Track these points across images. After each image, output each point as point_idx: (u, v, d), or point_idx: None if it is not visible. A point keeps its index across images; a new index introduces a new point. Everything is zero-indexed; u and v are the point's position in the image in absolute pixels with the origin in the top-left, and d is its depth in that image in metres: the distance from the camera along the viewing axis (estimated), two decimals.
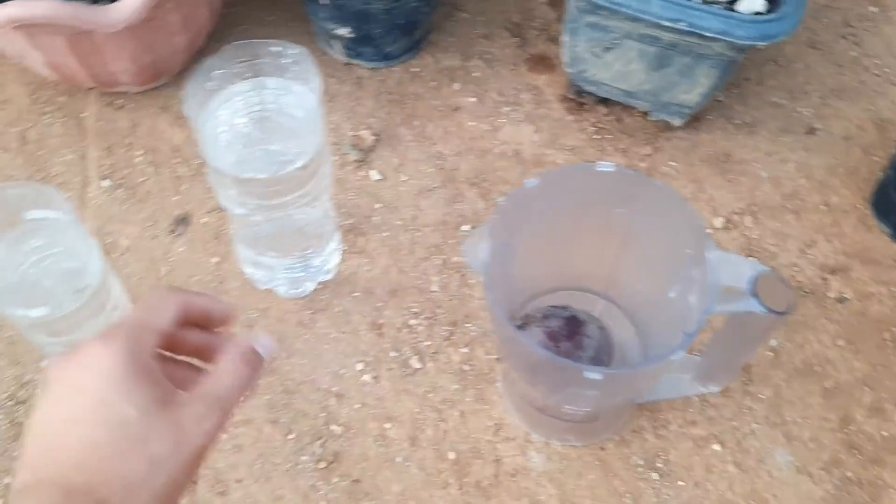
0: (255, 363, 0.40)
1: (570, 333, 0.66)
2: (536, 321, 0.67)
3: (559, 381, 0.59)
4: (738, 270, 0.56)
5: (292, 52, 0.60)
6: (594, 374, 0.52)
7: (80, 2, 0.76)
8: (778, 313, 0.56)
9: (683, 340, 0.53)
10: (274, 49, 0.60)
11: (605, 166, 0.60)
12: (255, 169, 0.63)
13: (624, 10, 0.75)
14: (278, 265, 0.79)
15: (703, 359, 0.71)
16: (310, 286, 0.83)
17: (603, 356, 0.67)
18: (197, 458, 0.36)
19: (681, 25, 0.74)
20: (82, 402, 0.34)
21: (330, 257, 0.83)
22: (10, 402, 0.76)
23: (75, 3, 0.72)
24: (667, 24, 0.74)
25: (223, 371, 0.39)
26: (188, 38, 0.87)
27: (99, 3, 0.83)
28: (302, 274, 0.81)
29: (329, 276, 0.85)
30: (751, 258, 0.87)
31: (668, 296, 0.66)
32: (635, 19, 0.77)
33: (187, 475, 0.36)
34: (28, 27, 0.71)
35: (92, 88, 0.93)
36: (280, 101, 0.64)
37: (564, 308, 0.68)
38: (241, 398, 0.39)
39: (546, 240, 0.67)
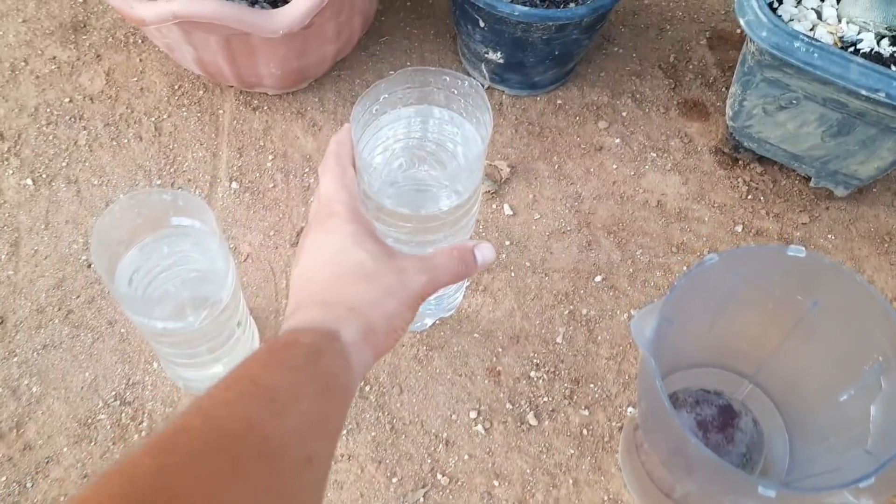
0: (469, 261, 0.47)
1: (722, 425, 0.59)
2: (687, 405, 0.61)
3: (716, 486, 0.53)
4: None
5: (465, 85, 0.55)
6: (769, 492, 0.46)
7: (241, 2, 0.74)
8: None
9: (880, 466, 0.46)
10: (447, 79, 0.55)
11: (796, 251, 0.54)
12: (404, 202, 0.58)
13: (816, 71, 0.68)
14: None
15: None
16: (429, 322, 0.79)
17: (754, 454, 0.60)
18: (415, 300, 0.44)
19: (879, 96, 0.67)
20: (326, 253, 0.44)
21: (456, 294, 0.79)
22: (115, 402, 0.74)
23: (238, 4, 0.70)
24: (864, 92, 0.67)
25: (440, 253, 0.47)
26: (338, 47, 0.84)
27: (257, 5, 0.81)
28: (425, 309, 0.77)
29: (450, 314, 0.80)
30: None
31: (837, 398, 0.59)
32: (826, 82, 0.70)
33: (409, 310, 0.44)
34: (188, 23, 0.69)
35: (231, 87, 0.92)
36: (444, 132, 0.59)
37: (718, 394, 0.62)
38: (449, 281, 0.46)
39: (708, 315, 0.61)
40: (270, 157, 0.89)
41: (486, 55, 0.89)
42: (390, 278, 0.43)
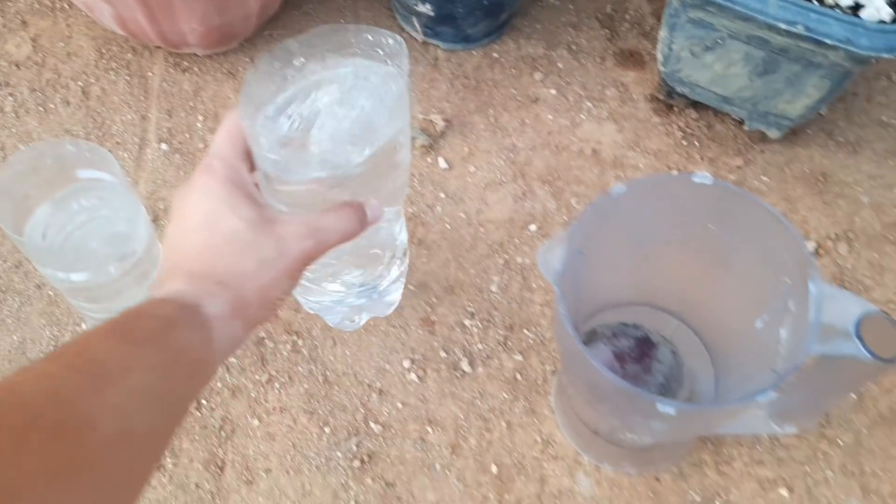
0: (360, 217, 0.45)
1: (639, 356, 0.60)
2: (604, 338, 0.61)
3: (625, 409, 0.53)
4: (842, 307, 0.50)
5: (389, 43, 0.49)
6: (668, 409, 0.46)
7: None
8: (885, 360, 0.49)
9: (774, 381, 0.46)
10: (369, 37, 0.48)
11: (703, 178, 0.54)
12: (300, 163, 0.47)
13: (736, 7, 0.68)
14: (329, 291, 0.66)
15: (784, 397, 0.64)
16: (363, 318, 0.76)
17: (673, 384, 0.61)
18: (296, 268, 0.42)
19: (798, 29, 0.67)
20: (197, 216, 0.41)
21: (393, 287, 0.73)
22: None
23: None
24: (783, 26, 0.67)
25: (327, 213, 0.44)
26: (261, 3, 0.83)
27: None
28: (358, 302, 0.70)
29: (390, 310, 0.77)
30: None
31: (753, 325, 0.59)
32: (747, 18, 0.70)
33: (288, 279, 0.42)
34: None
35: (159, 48, 0.91)
36: (358, 86, 0.51)
37: (637, 327, 0.62)
38: (338, 241, 0.44)
39: (624, 251, 0.61)
40: (201, 118, 0.89)
41: (416, 7, 0.88)
42: (267, 247, 0.40)
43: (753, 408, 0.66)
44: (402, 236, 0.56)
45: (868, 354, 0.49)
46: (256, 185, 0.44)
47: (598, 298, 0.69)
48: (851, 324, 0.49)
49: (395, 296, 0.66)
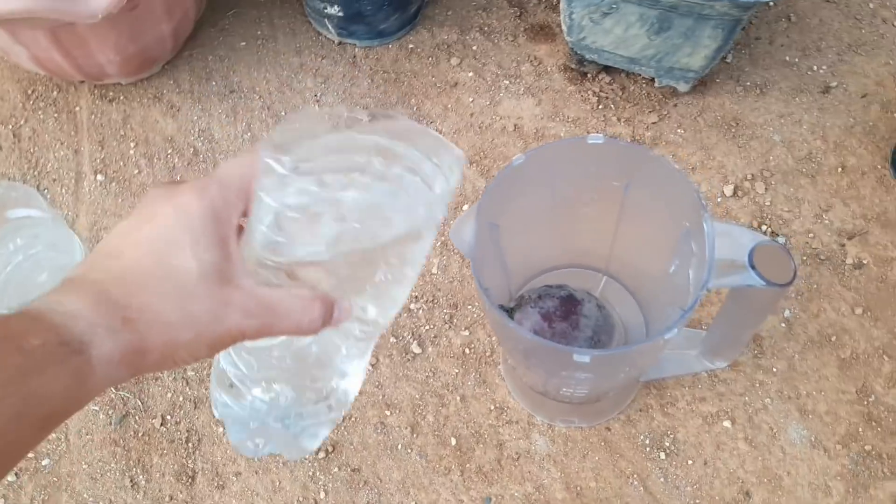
0: (324, 314, 0.36)
1: (565, 314, 0.63)
2: (531, 302, 0.64)
3: (551, 365, 0.57)
4: (736, 242, 0.53)
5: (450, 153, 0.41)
6: (583, 357, 0.50)
7: None
8: (778, 285, 0.53)
9: (678, 318, 0.50)
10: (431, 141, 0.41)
11: (596, 138, 0.57)
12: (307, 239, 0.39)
13: None
14: (251, 398, 0.45)
15: (709, 334, 0.68)
16: (265, 449, 0.46)
17: (602, 336, 0.64)
18: (222, 342, 0.35)
19: None
20: (154, 232, 0.33)
21: (312, 430, 0.47)
22: None
23: None
24: None
25: (294, 298, 0.36)
26: (174, 25, 0.85)
27: None
28: (273, 426, 0.47)
29: (299, 457, 0.63)
30: (763, 226, 0.84)
31: (668, 271, 0.63)
32: None
33: (208, 347, 0.34)
34: (7, 22, 0.70)
35: (83, 82, 0.92)
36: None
37: (560, 287, 0.66)
38: (288, 332, 0.36)
39: (540, 218, 0.64)
40: (132, 145, 0.91)
41: (325, 10, 0.91)
42: (201, 308, 0.33)
43: (675, 346, 0.70)
44: (353, 386, 0.44)
45: (762, 281, 0.52)
46: (241, 226, 0.37)
47: (528, 266, 0.73)
48: (745, 255, 0.53)
49: (311, 444, 0.46)
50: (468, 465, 0.73)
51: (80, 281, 0.33)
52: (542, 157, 0.59)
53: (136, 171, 0.89)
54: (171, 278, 0.33)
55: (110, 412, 0.77)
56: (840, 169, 0.87)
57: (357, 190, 0.38)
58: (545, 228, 0.68)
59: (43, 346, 0.30)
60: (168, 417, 0.76)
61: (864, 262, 0.81)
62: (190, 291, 0.33)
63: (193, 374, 0.78)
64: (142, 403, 0.77)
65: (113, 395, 0.78)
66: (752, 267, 0.53)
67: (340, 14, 0.90)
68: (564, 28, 0.88)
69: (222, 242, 0.35)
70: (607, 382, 0.62)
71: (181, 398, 0.77)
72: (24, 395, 0.29)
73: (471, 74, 0.96)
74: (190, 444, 0.75)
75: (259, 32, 1.00)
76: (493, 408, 0.76)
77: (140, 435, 0.76)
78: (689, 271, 0.59)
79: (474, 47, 0.98)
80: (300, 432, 0.45)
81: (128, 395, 0.78)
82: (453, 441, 0.74)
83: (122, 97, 0.94)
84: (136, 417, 0.77)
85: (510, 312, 0.64)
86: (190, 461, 0.74)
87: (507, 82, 0.95)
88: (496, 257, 0.64)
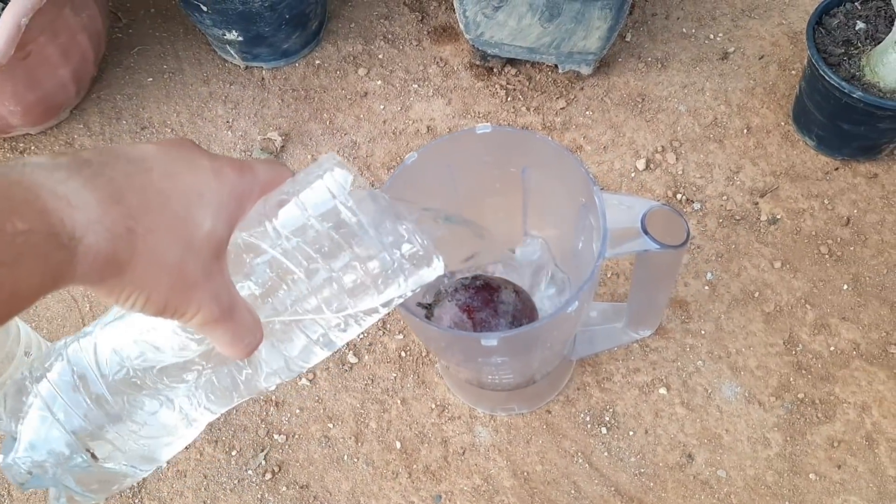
0: (255, 347, 0.35)
1: (483, 303, 0.64)
2: (448, 296, 0.65)
3: (468, 353, 0.58)
4: (629, 210, 0.55)
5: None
6: (490, 341, 0.51)
7: None
8: (673, 247, 0.54)
9: (576, 291, 0.51)
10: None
11: (484, 128, 0.58)
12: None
13: None
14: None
15: (629, 305, 0.70)
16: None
17: (523, 319, 0.65)
18: (175, 308, 0.32)
19: None
20: (190, 178, 0.32)
21: (129, 469, 0.43)
22: None
23: None
24: None
25: (252, 315, 0.34)
26: (72, 69, 0.85)
27: None
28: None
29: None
30: (678, 195, 0.86)
31: (577, 247, 0.64)
32: None
33: (161, 306, 0.31)
34: None
35: None
36: None
37: (476, 278, 0.67)
38: (227, 343, 0.34)
39: (455, 214, 0.65)
40: None
41: (225, 37, 0.91)
42: (190, 266, 0.32)
43: (595, 321, 0.71)
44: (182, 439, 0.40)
45: (657, 245, 0.54)
46: None
47: (448, 261, 0.73)
48: (638, 222, 0.54)
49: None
50: (415, 467, 0.74)
51: (95, 170, 0.29)
52: (435, 153, 0.60)
53: None
54: (185, 223, 0.31)
55: None
56: (745, 130, 0.89)
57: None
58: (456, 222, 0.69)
59: (27, 235, 0.25)
60: None
61: (778, 217, 0.83)
62: (189, 244, 0.31)
63: None
64: None
65: None
66: (646, 232, 0.54)
67: (240, 39, 0.91)
68: (461, 26, 0.90)
69: (232, 226, 0.34)
70: (528, 363, 0.63)
71: None
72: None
73: (379, 83, 0.97)
74: (135, 485, 0.74)
75: (165, 66, 0.99)
76: (434, 406, 0.76)
77: None
78: (594, 245, 0.60)
79: (380, 56, 0.99)
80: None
81: None
82: (398, 444, 0.75)
83: (32, 147, 0.93)
84: None
85: (429, 308, 0.64)
86: (136, 500, 0.74)
87: (416, 86, 0.96)
88: None
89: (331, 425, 0.76)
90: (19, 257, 0.25)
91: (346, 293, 0.36)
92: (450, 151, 0.61)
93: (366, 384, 0.78)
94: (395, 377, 0.78)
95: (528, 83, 0.95)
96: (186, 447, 0.75)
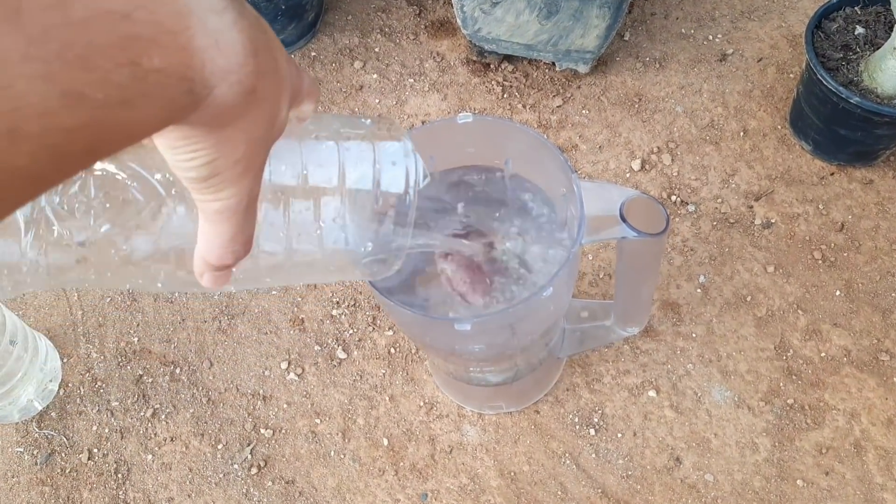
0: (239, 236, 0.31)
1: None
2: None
3: (439, 337, 0.57)
4: (607, 198, 0.54)
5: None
6: (464, 325, 0.50)
7: None
8: (651, 235, 0.54)
9: (553, 274, 0.51)
10: None
11: (465, 117, 0.57)
12: None
13: None
14: None
15: (615, 301, 0.69)
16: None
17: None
18: (230, 182, 0.27)
19: None
20: (280, 55, 0.26)
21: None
22: None
23: None
24: None
25: (245, 218, 0.30)
26: None
27: None
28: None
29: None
30: (672, 196, 0.85)
31: (562, 236, 0.64)
32: None
33: (221, 179, 0.27)
34: None
35: None
36: None
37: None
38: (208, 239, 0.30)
39: (434, 203, 0.65)
40: None
41: None
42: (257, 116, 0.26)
43: (544, 305, 0.71)
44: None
45: (634, 233, 0.53)
46: None
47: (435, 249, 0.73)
48: (616, 210, 0.54)
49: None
50: (402, 464, 0.73)
51: (239, 8, 0.23)
52: (416, 142, 0.59)
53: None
54: (276, 101, 0.26)
55: (35, 452, 0.76)
56: (742, 133, 0.89)
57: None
58: (443, 212, 0.68)
59: (159, 74, 0.21)
60: (95, 451, 0.75)
61: (773, 221, 0.83)
62: (271, 127, 0.27)
63: (117, 404, 0.77)
64: (67, 440, 0.76)
65: (37, 435, 0.76)
66: (624, 220, 0.54)
67: None
68: (459, 21, 0.89)
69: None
70: (507, 352, 0.63)
71: (107, 430, 0.76)
72: (94, 124, 0.20)
73: (375, 76, 0.96)
74: (119, 475, 0.74)
75: None
76: (422, 404, 0.76)
77: (68, 472, 0.75)
78: (577, 235, 0.60)
79: (377, 49, 0.98)
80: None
81: (52, 433, 0.76)
82: (385, 442, 0.74)
83: None
84: (63, 454, 0.75)
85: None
86: (121, 492, 0.73)
87: (412, 80, 0.95)
88: None
89: (318, 421, 0.76)
90: (144, 98, 0.21)
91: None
92: (432, 142, 0.60)
93: (354, 380, 0.77)
94: (383, 374, 0.78)
95: (524, 80, 0.94)
96: (171, 439, 0.74)
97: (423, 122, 0.92)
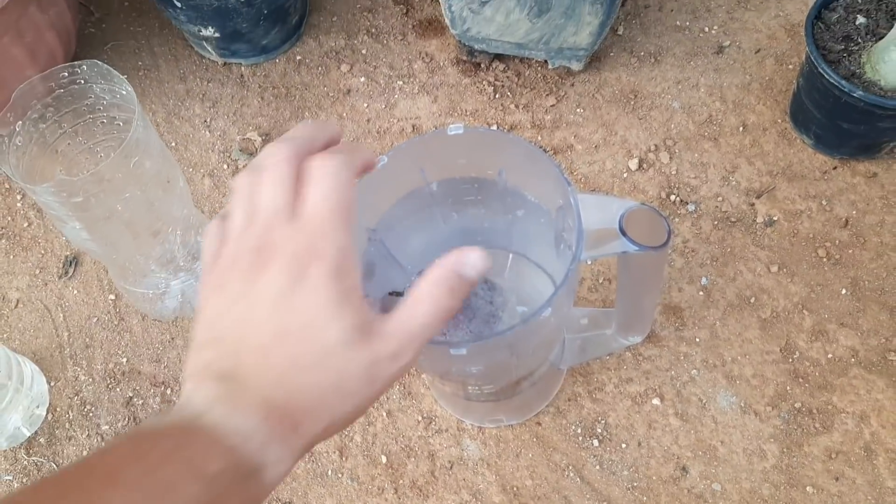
0: (461, 293, 0.33)
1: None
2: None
3: (441, 365, 0.55)
4: (606, 211, 0.52)
5: None
6: (460, 350, 0.48)
7: None
8: (652, 248, 0.52)
9: (550, 296, 0.48)
10: None
11: (455, 129, 0.55)
12: None
13: None
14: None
15: (616, 310, 0.67)
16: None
17: (491, 321, 0.62)
18: (379, 395, 0.32)
19: None
20: (293, 317, 0.30)
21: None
22: None
23: None
24: None
25: (421, 303, 0.32)
26: (41, 69, 0.81)
27: None
28: (192, 280, 0.76)
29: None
30: (672, 195, 0.83)
31: (559, 248, 0.61)
32: None
33: (366, 408, 0.32)
34: None
35: None
36: None
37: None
38: (439, 331, 0.33)
39: (425, 214, 0.62)
40: (19, 197, 0.87)
41: (201, 33, 0.88)
42: (354, 381, 0.31)
43: (544, 326, 0.69)
44: None
45: (635, 246, 0.51)
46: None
47: (429, 259, 0.70)
48: (616, 223, 0.52)
49: None
50: (401, 482, 0.71)
51: (240, 388, 0.30)
52: (406, 155, 0.57)
53: (27, 224, 0.85)
54: (322, 364, 0.30)
55: (24, 479, 0.74)
56: (741, 128, 0.87)
57: None
58: (435, 223, 0.66)
59: (223, 474, 0.28)
60: None
61: (775, 218, 0.81)
62: (340, 369, 0.30)
63: (108, 427, 0.75)
64: (56, 466, 0.74)
65: (26, 462, 0.74)
66: (624, 233, 0.52)
67: (217, 35, 0.87)
68: (447, 21, 0.86)
69: (354, 295, 0.31)
70: (506, 371, 0.61)
71: None
72: None
73: (363, 79, 0.93)
74: None
75: (140, 63, 0.96)
76: (420, 419, 0.74)
77: None
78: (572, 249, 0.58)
79: (363, 51, 0.95)
80: None
81: (41, 459, 0.74)
82: (384, 459, 0.72)
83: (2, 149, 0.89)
84: None
85: (400, 295, 0.62)
86: None
87: (401, 83, 0.93)
88: (385, 259, 0.62)
89: None
90: (222, 495, 0.27)
91: None
92: (422, 153, 0.58)
93: None
94: None
95: (516, 79, 0.92)
96: None
97: (413, 126, 0.90)
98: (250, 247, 0.31)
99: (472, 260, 0.33)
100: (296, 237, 0.31)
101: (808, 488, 0.69)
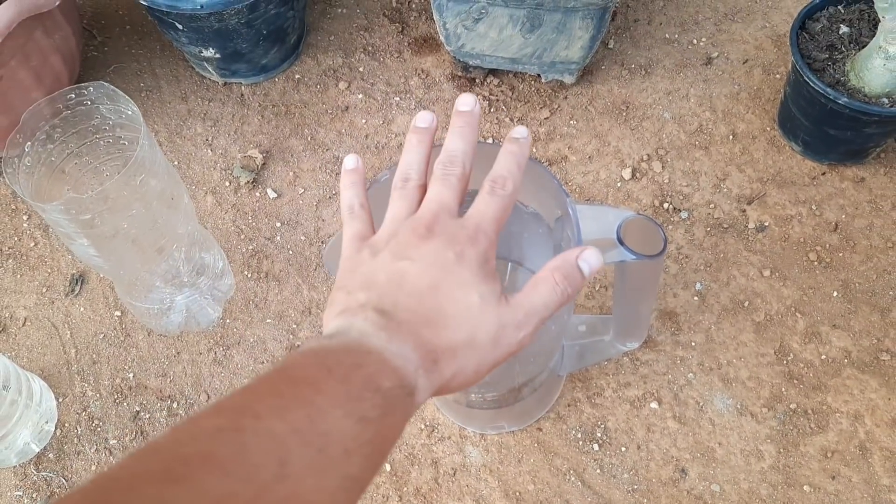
0: (575, 282, 0.39)
1: None
2: None
3: None
4: (604, 221, 0.54)
5: None
6: None
7: None
8: (649, 257, 0.53)
9: None
10: None
11: None
12: None
13: None
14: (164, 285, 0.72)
15: (613, 317, 0.69)
16: (214, 312, 0.80)
17: None
18: (501, 359, 0.37)
19: None
20: (446, 276, 0.37)
21: (224, 275, 0.80)
22: None
23: None
24: None
25: (542, 283, 0.38)
26: (47, 91, 0.83)
27: None
28: (196, 295, 0.78)
29: (230, 294, 0.82)
30: (665, 204, 0.85)
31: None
32: None
33: (489, 368, 0.37)
34: None
35: None
36: None
37: None
38: (556, 311, 0.39)
39: None
40: (25, 218, 0.88)
41: (201, 54, 0.90)
42: (484, 335, 0.36)
43: (575, 336, 0.70)
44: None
45: (633, 255, 0.53)
46: None
47: None
48: (613, 232, 0.53)
49: (228, 283, 0.63)
50: (405, 489, 0.73)
51: (396, 320, 0.35)
52: None
53: (33, 244, 0.87)
54: (462, 315, 0.36)
55: (34, 495, 0.75)
56: (731, 136, 0.89)
57: None
58: None
59: (392, 390, 0.33)
60: None
61: (766, 224, 0.83)
62: (475, 323, 0.36)
63: (115, 441, 0.76)
64: (66, 480, 0.75)
65: (35, 477, 0.75)
66: (622, 243, 0.53)
67: (218, 56, 0.89)
68: (442, 38, 0.88)
69: (493, 268, 0.38)
70: (508, 378, 0.62)
71: (105, 469, 0.75)
72: (379, 434, 0.32)
73: (361, 96, 0.95)
74: None
75: (142, 84, 0.98)
76: (423, 427, 0.75)
77: None
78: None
79: (361, 69, 0.98)
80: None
81: (50, 474, 0.75)
82: (388, 467, 0.74)
83: (9, 170, 0.91)
84: (62, 496, 0.74)
85: None
86: None
87: (398, 99, 0.95)
88: None
89: None
90: (392, 406, 0.32)
91: None
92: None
93: None
94: None
95: (510, 93, 0.94)
96: None
97: None
98: (416, 225, 0.38)
99: (586, 255, 0.39)
100: (459, 229, 0.38)
101: (805, 487, 0.70)
